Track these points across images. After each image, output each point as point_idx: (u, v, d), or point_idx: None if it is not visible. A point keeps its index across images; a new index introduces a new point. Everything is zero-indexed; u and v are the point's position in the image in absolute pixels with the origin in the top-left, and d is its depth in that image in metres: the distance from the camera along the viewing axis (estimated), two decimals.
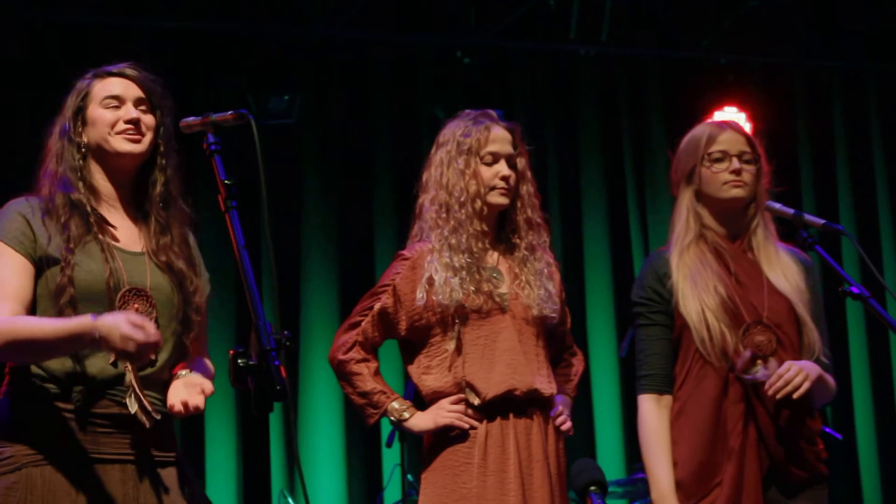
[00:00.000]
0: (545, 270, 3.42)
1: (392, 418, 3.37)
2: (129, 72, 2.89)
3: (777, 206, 3.30)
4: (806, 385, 3.07)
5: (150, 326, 2.53)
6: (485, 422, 3.29)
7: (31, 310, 2.72)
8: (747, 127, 5.18)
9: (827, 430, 4.57)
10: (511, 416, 3.29)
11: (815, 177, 7.83)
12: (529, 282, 3.37)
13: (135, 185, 2.90)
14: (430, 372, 3.36)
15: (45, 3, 6.59)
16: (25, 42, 6.55)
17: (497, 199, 3.38)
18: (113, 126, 2.82)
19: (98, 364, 2.70)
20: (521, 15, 7.36)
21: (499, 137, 3.40)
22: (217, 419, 6.56)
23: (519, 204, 3.44)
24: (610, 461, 7.03)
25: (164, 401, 2.77)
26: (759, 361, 3.14)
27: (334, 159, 7.16)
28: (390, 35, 7.29)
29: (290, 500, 6.25)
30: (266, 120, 6.82)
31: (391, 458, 6.35)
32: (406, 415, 3.36)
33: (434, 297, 3.31)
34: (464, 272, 3.31)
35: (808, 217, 3.22)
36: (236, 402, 6.63)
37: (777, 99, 7.75)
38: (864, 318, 7.55)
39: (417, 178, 3.50)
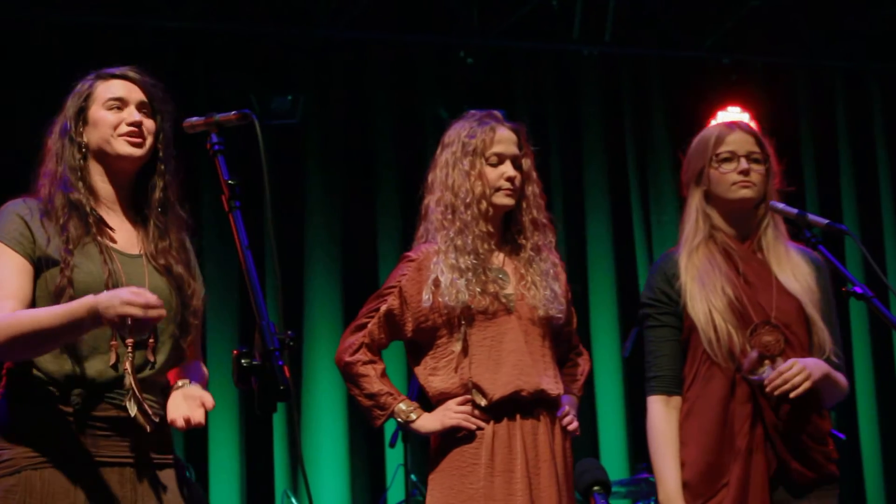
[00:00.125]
0: (551, 271, 3.41)
1: (399, 420, 3.37)
2: (132, 74, 2.88)
3: (780, 205, 3.28)
4: (806, 384, 3.05)
5: (151, 295, 2.50)
6: (491, 422, 3.28)
7: None
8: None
9: (831, 430, 4.55)
10: (518, 416, 3.28)
11: (818, 176, 7.82)
12: (535, 282, 3.36)
13: (133, 189, 2.89)
14: (436, 373, 3.36)
15: (47, 3, 6.59)
16: (27, 42, 6.54)
17: (503, 200, 3.37)
18: (115, 128, 2.81)
19: (97, 366, 2.69)
20: (524, 15, 7.35)
21: (504, 138, 3.39)
22: (220, 419, 6.55)
23: (524, 205, 3.43)
24: (613, 461, 7.02)
25: (162, 404, 2.76)
26: (766, 362, 3.13)
27: (337, 159, 7.15)
28: (392, 35, 7.28)
29: (293, 501, 6.24)
30: (269, 120, 6.81)
31: (394, 458, 6.34)
32: (413, 416, 3.35)
33: (440, 299, 3.31)
34: (470, 273, 3.30)
35: (812, 217, 3.20)
36: (240, 403, 6.63)
37: (780, 99, 7.75)
38: (868, 318, 7.55)
39: (421, 178, 3.49)
